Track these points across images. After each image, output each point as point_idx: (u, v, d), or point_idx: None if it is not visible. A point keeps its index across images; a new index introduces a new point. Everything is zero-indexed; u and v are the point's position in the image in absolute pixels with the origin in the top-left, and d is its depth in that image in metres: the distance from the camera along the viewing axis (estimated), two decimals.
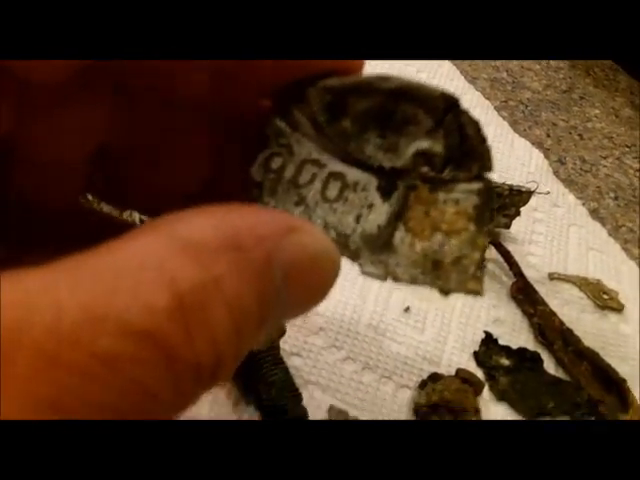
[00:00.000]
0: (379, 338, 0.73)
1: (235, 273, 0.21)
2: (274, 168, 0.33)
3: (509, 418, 0.69)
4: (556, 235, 0.89)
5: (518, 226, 0.88)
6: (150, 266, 0.19)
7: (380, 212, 0.34)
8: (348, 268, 0.31)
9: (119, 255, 0.20)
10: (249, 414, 0.63)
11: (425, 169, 0.35)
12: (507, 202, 0.81)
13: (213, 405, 0.62)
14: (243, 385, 0.64)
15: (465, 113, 0.34)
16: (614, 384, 0.73)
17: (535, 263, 0.85)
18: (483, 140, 0.34)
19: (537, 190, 0.81)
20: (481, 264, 0.32)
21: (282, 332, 0.66)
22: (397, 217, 0.34)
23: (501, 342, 0.75)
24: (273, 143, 0.33)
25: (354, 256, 0.32)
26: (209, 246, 0.21)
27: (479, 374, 0.71)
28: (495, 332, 0.76)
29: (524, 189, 0.80)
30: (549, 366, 0.74)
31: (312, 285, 0.26)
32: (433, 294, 0.30)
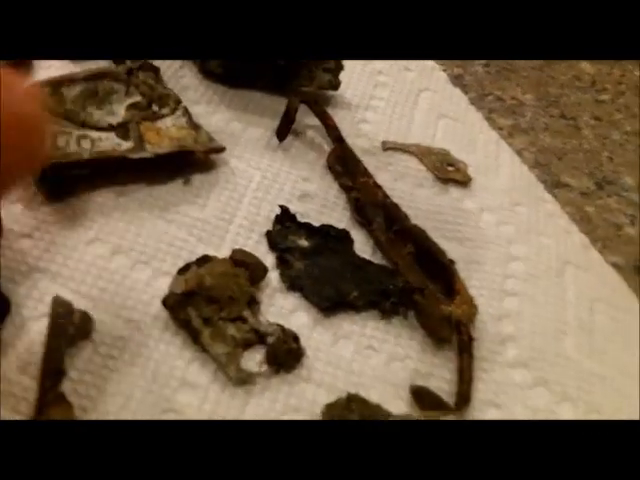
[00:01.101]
0: (141, 215, 0.57)
1: None
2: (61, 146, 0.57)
3: (299, 311, 0.54)
4: (400, 101, 0.73)
5: (355, 90, 0.72)
6: None
7: (127, 144, 0.59)
8: None
9: None
10: None
11: (140, 113, 0.62)
12: None
13: None
14: None
15: (142, 72, 0.65)
16: (441, 269, 0.58)
17: (368, 131, 0.69)
18: (164, 84, 0.65)
19: None
20: (210, 135, 0.63)
21: None
22: (140, 140, 0.60)
23: (306, 220, 0.59)
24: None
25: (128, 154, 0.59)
26: None
27: (270, 259, 0.56)
28: (301, 209, 0.61)
29: None
30: (364, 249, 0.59)
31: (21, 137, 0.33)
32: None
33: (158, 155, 0.58)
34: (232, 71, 0.68)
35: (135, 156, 0.57)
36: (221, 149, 0.61)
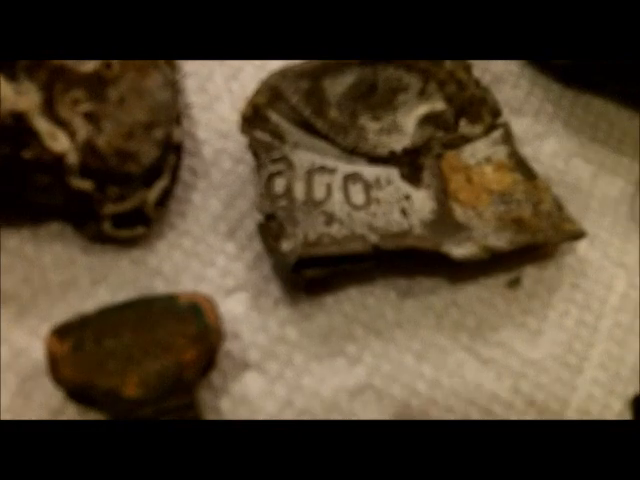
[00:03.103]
0: (439, 342, 0.34)
1: None
2: (280, 192, 0.32)
3: None
4: None
5: None
6: None
7: (422, 198, 0.34)
8: None
9: None
10: None
11: (440, 134, 0.36)
12: None
13: None
14: None
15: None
16: None
17: None
18: (477, 82, 0.37)
19: None
20: (559, 203, 0.35)
21: None
22: (444, 194, 0.34)
23: None
24: (265, 163, 0.32)
25: (439, 245, 0.32)
26: None
27: None
28: None
29: None
30: None
31: None
32: None
33: (494, 255, 0.33)
34: (586, 63, 0.40)
35: (461, 254, 0.32)
36: (580, 235, 0.35)
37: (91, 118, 0.30)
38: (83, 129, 0.30)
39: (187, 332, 0.27)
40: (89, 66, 0.31)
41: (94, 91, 0.30)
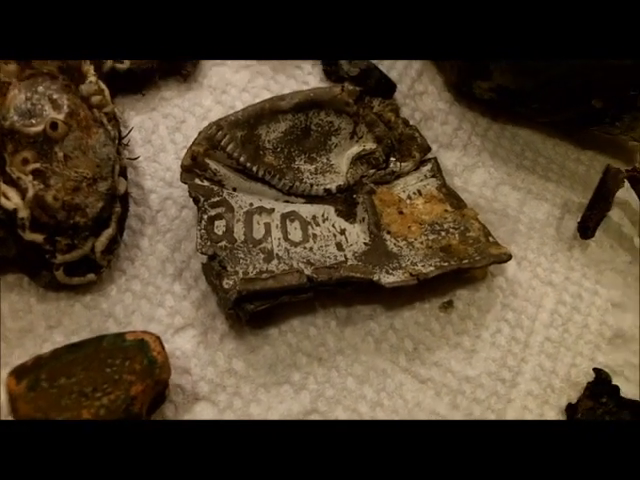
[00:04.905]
0: (379, 365, 0.36)
1: None
2: (220, 234, 0.35)
3: None
4: None
5: None
6: None
7: (356, 232, 0.37)
8: None
9: None
10: None
11: (371, 171, 0.39)
12: None
13: None
14: None
15: (376, 99, 0.40)
16: None
17: None
18: (406, 122, 0.41)
19: None
20: (486, 229, 0.38)
21: None
22: (376, 227, 0.37)
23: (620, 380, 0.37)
24: (205, 207, 0.35)
25: (370, 274, 0.35)
26: None
27: None
28: (613, 361, 0.39)
29: None
30: None
31: None
32: None
33: (425, 280, 0.36)
34: (509, 98, 0.43)
35: (388, 282, 0.35)
36: (506, 258, 0.38)
37: (39, 175, 0.32)
38: (32, 186, 0.32)
39: (134, 368, 0.29)
40: (38, 128, 0.33)
41: (42, 150, 0.33)
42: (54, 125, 0.33)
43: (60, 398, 0.28)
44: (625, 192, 0.42)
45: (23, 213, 0.31)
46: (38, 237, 0.32)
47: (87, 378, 0.28)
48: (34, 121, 0.34)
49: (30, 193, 0.32)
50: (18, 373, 0.29)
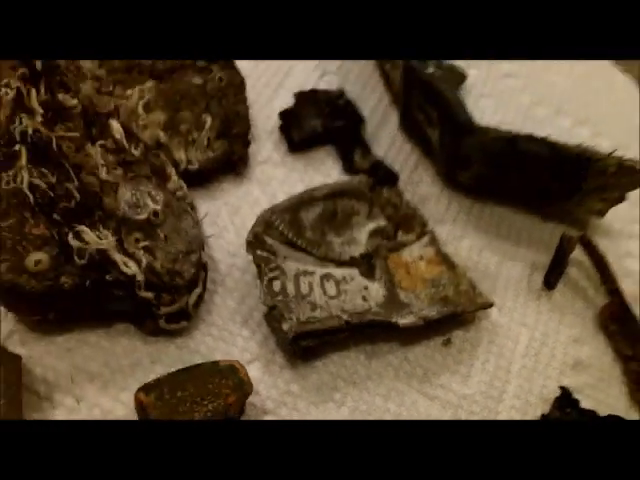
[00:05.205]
0: (398, 387, 0.47)
1: None
2: (277, 290, 0.47)
3: None
4: None
5: (614, 214, 0.60)
6: None
7: (376, 288, 0.49)
8: None
9: None
10: None
11: (384, 242, 0.52)
12: (610, 182, 0.53)
13: None
14: None
15: (386, 188, 0.54)
16: None
17: (634, 270, 0.57)
18: (408, 203, 0.55)
19: None
20: (473, 284, 0.51)
21: None
22: (391, 284, 0.50)
23: (579, 396, 0.49)
24: (265, 271, 0.47)
25: (389, 318, 0.47)
26: None
27: None
28: (574, 383, 0.51)
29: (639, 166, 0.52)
30: None
31: None
32: None
33: (429, 322, 0.48)
34: (486, 183, 0.57)
35: (403, 324, 0.47)
36: (489, 305, 0.50)
37: (148, 250, 0.44)
38: (144, 258, 0.44)
39: (228, 384, 0.40)
40: (143, 216, 0.45)
41: (148, 232, 0.45)
42: (155, 214, 0.46)
43: (178, 406, 0.39)
44: (579, 253, 0.55)
45: (140, 277, 0.43)
46: (149, 295, 0.44)
47: (196, 392, 0.40)
48: (139, 211, 0.46)
49: (144, 263, 0.44)
50: (145, 389, 0.40)
